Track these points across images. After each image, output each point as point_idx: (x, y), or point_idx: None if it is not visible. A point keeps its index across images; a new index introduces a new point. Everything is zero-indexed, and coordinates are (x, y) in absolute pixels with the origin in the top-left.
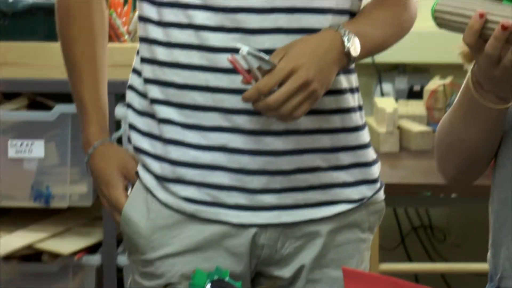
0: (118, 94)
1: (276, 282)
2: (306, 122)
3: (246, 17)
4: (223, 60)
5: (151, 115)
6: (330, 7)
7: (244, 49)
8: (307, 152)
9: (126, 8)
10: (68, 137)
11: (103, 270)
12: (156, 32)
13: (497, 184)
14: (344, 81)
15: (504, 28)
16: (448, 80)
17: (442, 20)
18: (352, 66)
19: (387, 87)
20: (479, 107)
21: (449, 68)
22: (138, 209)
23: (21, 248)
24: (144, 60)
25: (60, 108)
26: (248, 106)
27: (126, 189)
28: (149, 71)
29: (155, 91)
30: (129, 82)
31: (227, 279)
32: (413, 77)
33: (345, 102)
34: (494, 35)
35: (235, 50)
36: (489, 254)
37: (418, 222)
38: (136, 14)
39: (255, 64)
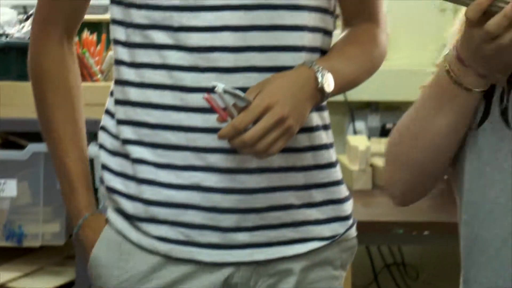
0: (91, 133)
1: None
2: (279, 160)
3: (219, 56)
4: (196, 99)
5: (124, 155)
6: (304, 44)
7: (220, 86)
8: (280, 189)
9: (99, 47)
10: (40, 176)
11: None
12: (128, 74)
13: (464, 209)
14: (317, 118)
15: None
16: None
17: None
18: (324, 103)
19: (359, 125)
20: (451, 94)
21: None
22: (108, 252)
23: None
24: (117, 102)
25: (32, 147)
26: (222, 144)
27: None
28: (121, 112)
29: (127, 132)
30: (102, 123)
31: None
32: (385, 115)
33: (318, 139)
34: (504, 12)
35: (209, 89)
36: None
37: (391, 260)
38: (109, 53)
39: (230, 101)
